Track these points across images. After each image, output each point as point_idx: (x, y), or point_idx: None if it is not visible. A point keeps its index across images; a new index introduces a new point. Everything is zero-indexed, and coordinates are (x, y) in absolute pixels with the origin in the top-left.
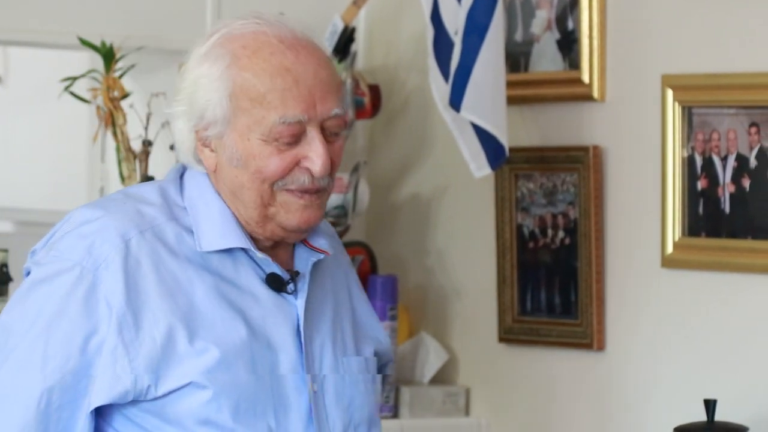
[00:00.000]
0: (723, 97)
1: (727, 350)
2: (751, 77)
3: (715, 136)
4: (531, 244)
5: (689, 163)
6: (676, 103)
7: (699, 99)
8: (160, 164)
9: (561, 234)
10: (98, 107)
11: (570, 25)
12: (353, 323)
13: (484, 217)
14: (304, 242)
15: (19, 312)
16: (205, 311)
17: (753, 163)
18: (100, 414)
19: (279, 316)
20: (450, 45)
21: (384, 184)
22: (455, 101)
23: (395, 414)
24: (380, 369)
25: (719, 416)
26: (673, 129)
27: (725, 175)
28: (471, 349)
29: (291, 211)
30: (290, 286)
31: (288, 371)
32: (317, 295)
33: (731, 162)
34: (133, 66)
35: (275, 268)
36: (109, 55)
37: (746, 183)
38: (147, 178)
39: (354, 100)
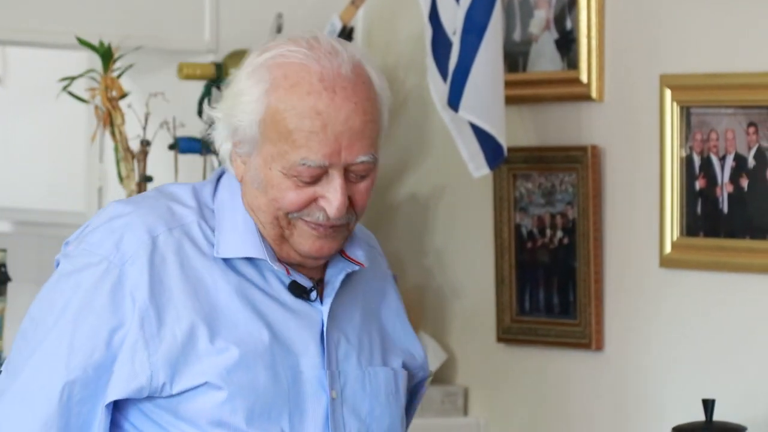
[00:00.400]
0: (721, 96)
1: (725, 350)
2: (749, 77)
3: (713, 135)
4: (529, 244)
5: (687, 162)
6: (675, 103)
7: (697, 99)
8: (158, 164)
9: (559, 234)
10: (96, 107)
11: (568, 24)
12: (382, 334)
13: (482, 217)
14: (341, 252)
15: (48, 304)
16: (227, 312)
17: (751, 162)
18: (117, 407)
19: (303, 322)
20: (448, 45)
21: (382, 183)
22: (453, 101)
23: None
24: (416, 385)
25: (718, 416)
26: (672, 129)
27: (723, 175)
28: (469, 348)
29: (305, 237)
30: (312, 294)
31: (309, 377)
32: (345, 303)
33: (729, 162)
34: (131, 66)
35: (296, 277)
36: (107, 55)
37: (744, 183)
38: (145, 178)
39: None
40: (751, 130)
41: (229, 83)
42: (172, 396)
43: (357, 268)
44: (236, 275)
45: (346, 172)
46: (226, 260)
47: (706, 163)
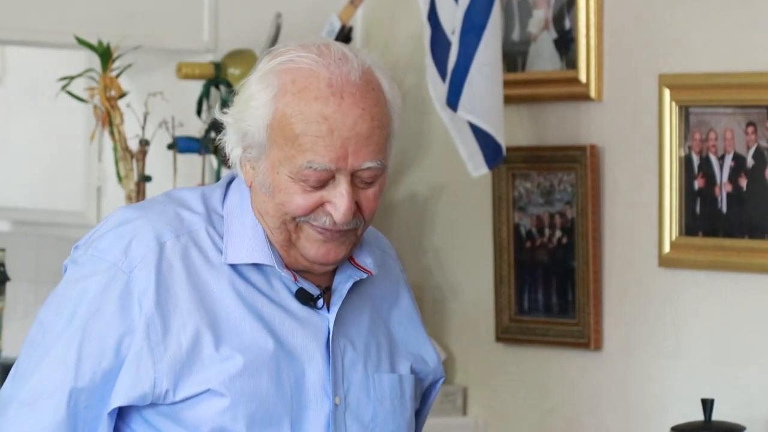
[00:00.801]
0: (720, 96)
1: (724, 350)
2: (748, 77)
3: (712, 135)
4: (528, 244)
5: (686, 162)
6: (673, 103)
7: (696, 98)
8: (157, 164)
9: (558, 233)
10: (95, 107)
11: (567, 24)
12: (391, 339)
13: (481, 217)
14: (350, 259)
15: (56, 310)
16: (233, 320)
17: (750, 162)
18: (119, 414)
19: (309, 330)
20: (447, 44)
21: None
22: (452, 101)
23: None
24: (428, 389)
25: (716, 416)
26: (670, 128)
27: (722, 175)
28: (468, 348)
29: (311, 242)
30: (319, 302)
31: (313, 384)
32: (353, 309)
33: (728, 161)
34: (130, 65)
35: (303, 284)
36: (106, 55)
37: (743, 182)
38: (144, 178)
39: None
40: (750, 129)
41: (240, 88)
42: (174, 403)
43: (365, 276)
44: (243, 282)
45: (353, 177)
46: (233, 266)
47: (705, 163)
